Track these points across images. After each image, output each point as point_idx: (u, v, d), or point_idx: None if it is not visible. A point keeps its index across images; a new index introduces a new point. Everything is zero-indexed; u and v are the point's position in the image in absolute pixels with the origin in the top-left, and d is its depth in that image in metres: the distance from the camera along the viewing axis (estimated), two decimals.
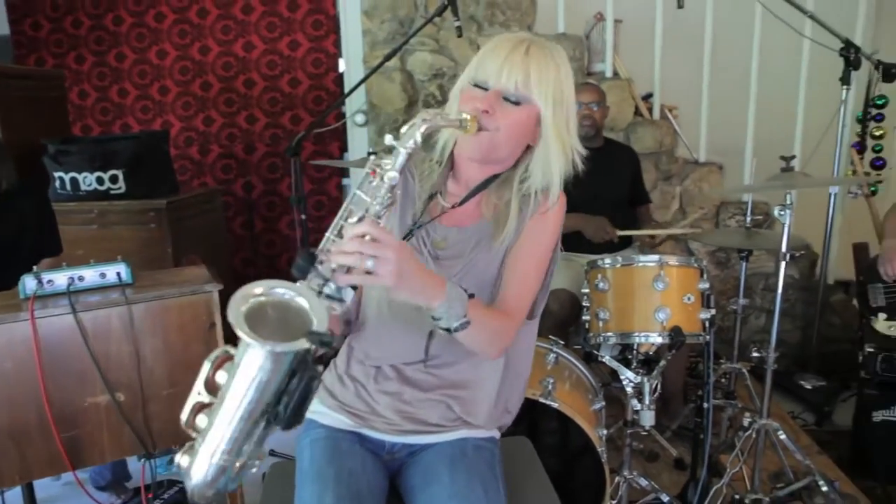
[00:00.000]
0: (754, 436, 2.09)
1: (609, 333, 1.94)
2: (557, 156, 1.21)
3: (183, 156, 4.08)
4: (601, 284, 1.95)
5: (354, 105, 3.36)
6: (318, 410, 1.35)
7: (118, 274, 1.78)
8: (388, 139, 1.01)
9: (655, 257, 1.89)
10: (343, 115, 3.50)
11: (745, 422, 2.12)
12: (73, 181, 2.86)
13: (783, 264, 1.96)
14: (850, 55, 2.76)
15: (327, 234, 0.97)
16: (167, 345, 1.77)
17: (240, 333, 0.82)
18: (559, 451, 2.01)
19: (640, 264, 1.91)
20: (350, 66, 3.39)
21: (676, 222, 3.26)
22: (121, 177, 2.87)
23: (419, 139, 1.01)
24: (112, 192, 2.89)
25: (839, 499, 2.09)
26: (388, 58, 2.39)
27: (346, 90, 2.92)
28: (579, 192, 2.52)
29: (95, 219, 2.90)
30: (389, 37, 3.15)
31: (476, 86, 1.18)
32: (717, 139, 3.26)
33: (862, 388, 2.50)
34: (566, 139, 1.21)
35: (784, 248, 1.95)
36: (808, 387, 3.10)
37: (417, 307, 1.06)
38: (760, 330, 3.36)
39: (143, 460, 1.81)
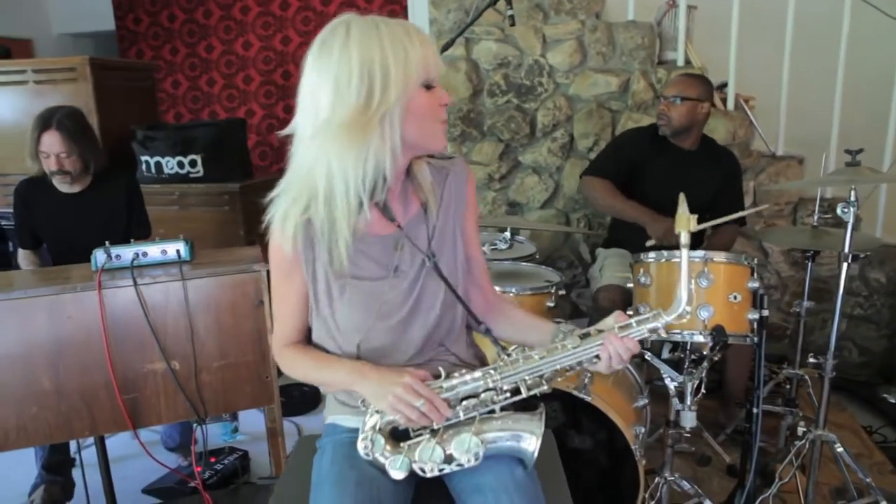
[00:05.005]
0: (807, 447, 1.98)
1: None
2: None
3: (264, 142, 4.30)
4: (643, 279, 1.90)
5: None
6: (342, 418, 1.31)
7: (178, 251, 1.92)
8: None
9: (701, 253, 1.82)
10: None
11: (800, 431, 2.01)
12: (158, 165, 3.08)
13: (845, 266, 1.84)
14: None
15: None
16: (219, 320, 1.90)
17: None
18: (596, 446, 2.00)
19: None
20: None
21: (750, 219, 3.10)
22: (199, 161, 3.07)
23: None
24: (191, 175, 3.09)
25: None
26: (446, 46, 2.41)
27: None
28: (652, 188, 2.45)
29: (176, 200, 3.12)
30: (455, 26, 3.17)
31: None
32: (799, 132, 3.06)
33: None
34: None
35: (847, 249, 1.82)
36: (892, 400, 2.88)
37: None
38: (841, 336, 3.12)
39: (196, 425, 1.94)
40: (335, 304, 1.21)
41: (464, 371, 1.16)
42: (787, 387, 2.45)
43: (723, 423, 2.56)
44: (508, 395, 1.15)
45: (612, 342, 1.14)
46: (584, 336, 1.17)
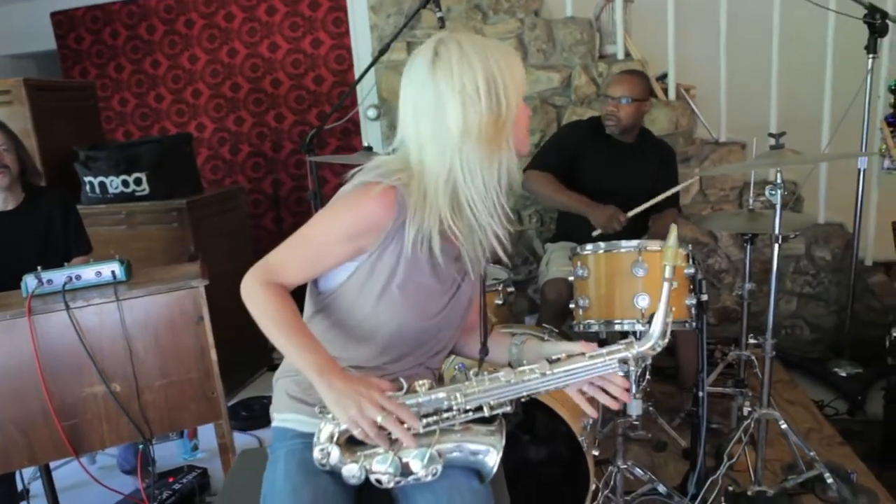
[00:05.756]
0: (753, 425, 2.02)
1: (591, 321, 1.91)
2: None
3: (215, 156, 4.25)
4: (581, 272, 1.92)
5: (369, 100, 3.40)
6: (294, 419, 1.28)
7: (112, 272, 1.89)
8: None
9: (634, 243, 1.84)
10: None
11: (745, 411, 2.05)
12: (102, 185, 3.03)
13: (776, 247, 1.88)
14: (876, 21, 2.59)
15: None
16: (158, 339, 1.88)
17: None
18: (547, 440, 2.01)
19: (621, 250, 1.87)
20: (360, 61, 3.44)
21: (697, 205, 3.16)
22: (144, 179, 3.02)
23: None
24: (137, 193, 3.04)
25: (847, 491, 1.99)
26: (382, 51, 2.42)
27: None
28: (591, 178, 2.48)
29: (124, 219, 3.07)
30: (396, 30, 3.17)
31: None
32: (740, 118, 3.12)
33: (891, 375, 2.36)
34: None
35: (777, 230, 1.86)
36: (843, 374, 2.95)
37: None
38: (791, 315, 3.21)
39: (141, 446, 1.91)
40: (389, 288, 1.20)
41: (424, 385, 1.13)
42: (737, 368, 2.49)
43: (679, 408, 2.60)
44: (470, 412, 1.14)
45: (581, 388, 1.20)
46: (554, 362, 1.15)
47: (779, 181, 1.83)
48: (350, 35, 3.79)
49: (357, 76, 3.51)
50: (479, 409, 1.14)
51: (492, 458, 1.15)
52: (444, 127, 1.10)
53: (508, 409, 1.15)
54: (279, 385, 1.34)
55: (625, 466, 2.05)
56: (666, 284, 1.13)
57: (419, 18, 3.12)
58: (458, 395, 1.12)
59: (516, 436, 1.96)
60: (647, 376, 1.96)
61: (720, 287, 3.25)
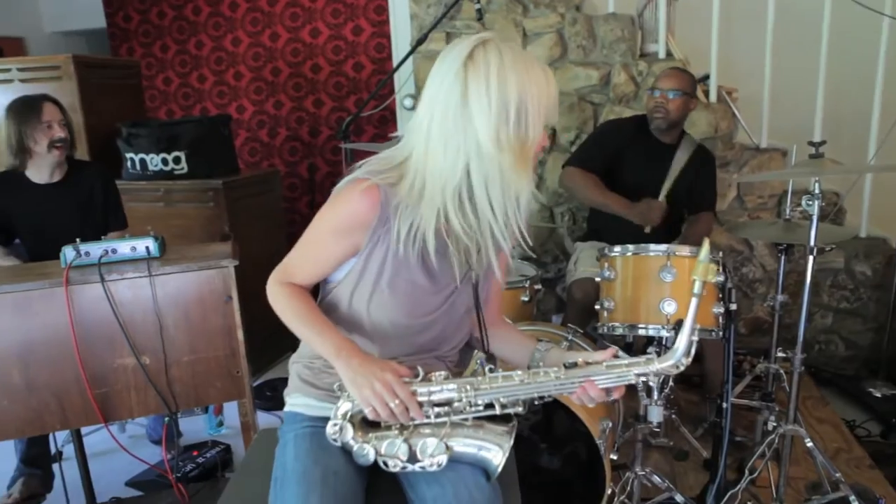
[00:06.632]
0: (777, 441, 1.98)
1: (616, 324, 1.90)
2: None
3: (254, 138, 4.30)
4: (607, 273, 1.90)
5: (406, 89, 3.41)
6: (303, 403, 1.33)
7: (147, 248, 1.94)
8: None
9: (663, 247, 1.82)
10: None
11: (770, 426, 2.01)
12: (142, 162, 3.10)
13: (811, 259, 1.83)
14: None
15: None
16: (188, 315, 1.92)
17: None
18: (565, 441, 2.00)
19: (650, 254, 1.85)
20: (399, 50, 3.45)
21: (734, 212, 3.09)
22: (183, 158, 3.08)
23: None
24: (176, 172, 3.10)
25: None
26: (420, 41, 2.43)
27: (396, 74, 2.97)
28: (631, 177, 2.46)
29: (162, 197, 3.14)
30: (435, 21, 3.15)
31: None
32: (783, 123, 3.03)
33: None
34: None
35: (812, 242, 1.82)
36: (877, 394, 2.86)
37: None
38: (827, 329, 3.12)
39: (166, 419, 1.97)
40: (379, 285, 1.22)
41: (441, 375, 1.15)
42: (765, 381, 2.44)
43: (703, 418, 2.56)
44: (481, 407, 1.15)
45: (590, 390, 1.13)
46: (570, 366, 1.14)
47: (816, 191, 1.78)
48: (390, 23, 3.80)
49: (395, 65, 3.54)
50: (491, 406, 1.15)
51: (497, 458, 1.16)
52: (471, 133, 1.07)
53: (520, 409, 1.15)
54: (293, 369, 1.38)
55: (643, 473, 2.04)
56: (694, 300, 1.09)
57: (458, 9, 3.10)
58: (469, 388, 1.13)
59: (534, 436, 1.95)
60: (671, 383, 1.94)
61: (753, 297, 3.18)
